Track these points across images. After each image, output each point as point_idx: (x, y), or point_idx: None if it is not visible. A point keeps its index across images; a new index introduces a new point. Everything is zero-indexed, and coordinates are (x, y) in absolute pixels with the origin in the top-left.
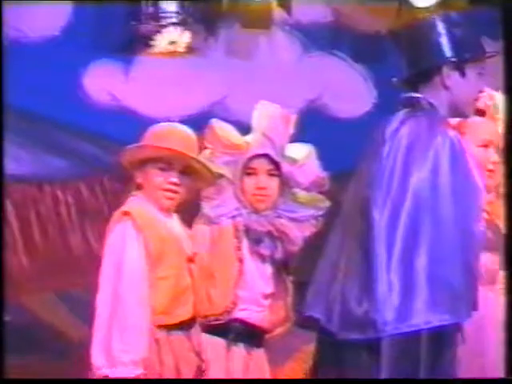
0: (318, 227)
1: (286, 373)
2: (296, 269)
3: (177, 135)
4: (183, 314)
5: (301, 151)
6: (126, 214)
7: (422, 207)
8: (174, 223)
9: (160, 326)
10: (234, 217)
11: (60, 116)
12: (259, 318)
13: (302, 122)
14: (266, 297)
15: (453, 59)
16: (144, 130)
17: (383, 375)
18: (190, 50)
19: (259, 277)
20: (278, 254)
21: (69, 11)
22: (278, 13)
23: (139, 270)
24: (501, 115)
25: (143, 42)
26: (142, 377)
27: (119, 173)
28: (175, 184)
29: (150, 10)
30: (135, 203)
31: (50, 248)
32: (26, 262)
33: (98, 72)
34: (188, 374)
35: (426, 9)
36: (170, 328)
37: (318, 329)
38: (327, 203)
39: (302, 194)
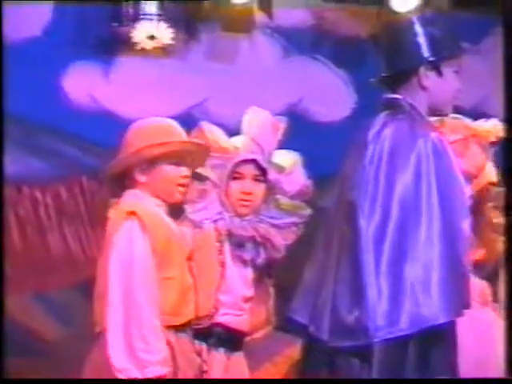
0: (298, 234)
1: (265, 376)
2: (279, 273)
3: (174, 128)
4: (189, 313)
5: (287, 159)
6: (132, 213)
7: (408, 212)
8: (173, 222)
9: (169, 327)
10: (216, 221)
11: (39, 117)
12: (239, 322)
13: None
14: (247, 300)
15: (429, 59)
16: (123, 131)
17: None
18: (171, 45)
19: (240, 280)
20: (260, 260)
21: (49, 12)
22: (258, 16)
23: (148, 270)
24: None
25: (124, 43)
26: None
27: (98, 174)
28: (187, 177)
29: (131, 11)
30: (136, 202)
31: (29, 249)
32: (3, 263)
33: (78, 74)
34: (192, 375)
35: (406, 13)
36: (177, 329)
37: (307, 336)
38: (309, 211)
39: (284, 201)
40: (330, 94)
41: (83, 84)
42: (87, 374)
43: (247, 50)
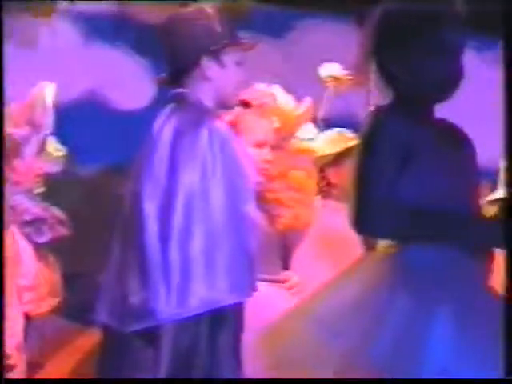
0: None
1: (57, 363)
2: (69, 262)
3: None
4: None
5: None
6: None
7: (193, 198)
8: None
9: None
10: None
11: None
12: None
13: (81, 112)
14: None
15: (209, 49)
16: None
17: (164, 363)
18: None
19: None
20: (45, 238)
21: None
22: (60, 1)
23: None
24: (281, 110)
25: None
26: None
27: None
28: None
29: None
30: None
31: None
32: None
33: None
34: None
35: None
36: None
37: (102, 326)
38: None
39: None
40: (130, 83)
41: None
42: None
43: (48, 34)
